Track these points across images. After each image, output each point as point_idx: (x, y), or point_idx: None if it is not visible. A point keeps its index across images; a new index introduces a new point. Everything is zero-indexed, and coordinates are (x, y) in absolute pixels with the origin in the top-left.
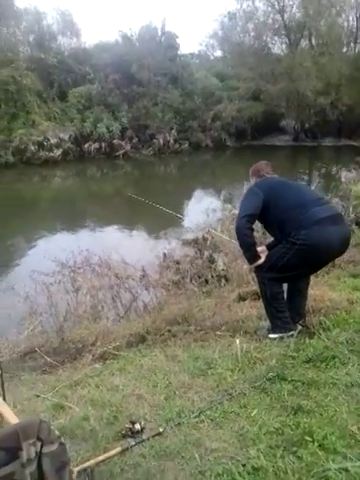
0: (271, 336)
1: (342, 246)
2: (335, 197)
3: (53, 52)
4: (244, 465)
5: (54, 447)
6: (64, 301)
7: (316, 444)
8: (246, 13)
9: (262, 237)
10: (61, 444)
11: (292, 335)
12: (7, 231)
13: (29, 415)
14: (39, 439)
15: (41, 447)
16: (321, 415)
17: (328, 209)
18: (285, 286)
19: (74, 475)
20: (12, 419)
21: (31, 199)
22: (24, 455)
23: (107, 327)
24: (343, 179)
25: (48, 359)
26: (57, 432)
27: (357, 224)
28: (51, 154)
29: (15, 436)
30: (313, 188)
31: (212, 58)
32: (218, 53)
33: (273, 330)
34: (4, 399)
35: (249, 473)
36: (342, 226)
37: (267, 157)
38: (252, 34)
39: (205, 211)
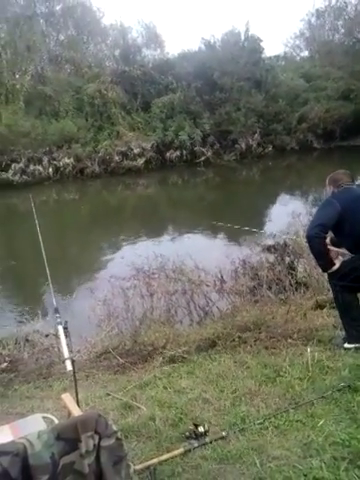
0: (346, 346)
1: None
2: None
3: (137, 65)
4: (305, 475)
5: (111, 441)
6: (140, 305)
7: None
8: (335, 10)
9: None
10: (118, 439)
11: None
12: (92, 237)
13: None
14: (97, 432)
15: (99, 440)
16: None
17: None
18: None
19: (131, 469)
20: (77, 413)
21: (115, 207)
22: (83, 446)
23: (178, 331)
24: None
25: (121, 360)
26: (114, 427)
27: None
28: (134, 163)
29: (74, 428)
30: None
31: (298, 59)
32: (305, 53)
33: (348, 340)
34: (77, 395)
35: None
36: None
37: (357, 158)
38: (342, 31)
39: (290, 215)
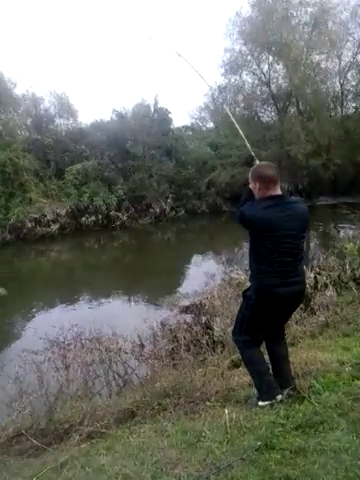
0: (260, 404)
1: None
2: (332, 255)
3: (50, 133)
4: None
5: None
6: (54, 379)
7: None
8: (234, 87)
9: None
10: None
11: (281, 401)
12: (3, 310)
13: None
14: None
15: None
16: None
17: (293, 290)
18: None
19: None
20: None
21: (28, 275)
22: None
23: (95, 405)
24: (341, 235)
25: (34, 442)
26: None
27: (354, 281)
28: (48, 229)
29: None
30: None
31: (204, 129)
32: (210, 124)
33: (261, 398)
34: None
35: None
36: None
37: None
38: (242, 105)
39: (204, 275)
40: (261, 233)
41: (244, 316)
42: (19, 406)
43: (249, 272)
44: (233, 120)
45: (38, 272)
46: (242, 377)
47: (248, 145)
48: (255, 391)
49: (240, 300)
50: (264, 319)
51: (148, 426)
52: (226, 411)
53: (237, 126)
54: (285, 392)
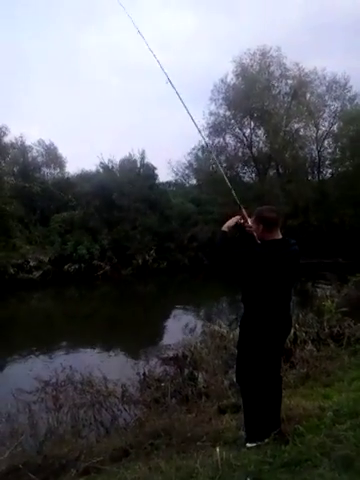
0: (248, 445)
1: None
2: (310, 312)
3: (37, 181)
4: None
5: None
6: (45, 420)
7: None
8: (218, 147)
9: None
10: None
11: (268, 442)
12: None
13: None
14: None
15: None
16: None
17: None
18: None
19: None
20: None
21: (5, 322)
22: None
23: (90, 443)
24: (319, 294)
25: (32, 476)
26: None
27: (331, 338)
28: (30, 276)
29: None
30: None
31: (188, 186)
32: (193, 181)
33: (249, 439)
34: None
35: None
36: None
37: None
38: (224, 165)
39: (185, 327)
40: (268, 273)
41: (243, 349)
42: (11, 444)
43: (241, 312)
44: (225, 178)
45: (17, 319)
46: (229, 421)
47: (234, 195)
48: (243, 433)
49: (223, 352)
50: (261, 351)
51: (142, 463)
52: (217, 450)
53: (227, 181)
54: (272, 435)
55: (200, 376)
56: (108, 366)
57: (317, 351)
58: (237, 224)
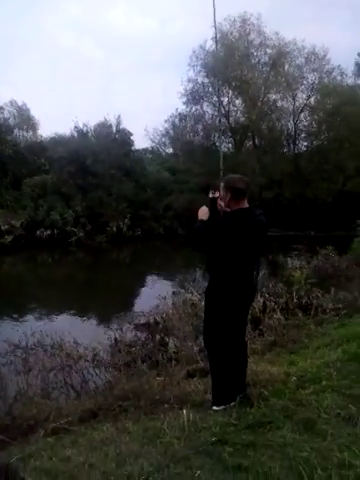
0: (214, 408)
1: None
2: (280, 282)
3: (9, 144)
4: None
5: None
6: (14, 383)
7: None
8: (195, 116)
9: None
10: None
11: (234, 405)
12: None
13: None
14: (6, 479)
15: None
16: (257, 472)
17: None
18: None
19: None
20: None
21: None
22: None
23: (60, 405)
24: (289, 265)
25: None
26: (21, 473)
27: (299, 307)
28: (1, 240)
29: None
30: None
31: (164, 154)
32: (170, 150)
33: (216, 403)
34: None
35: None
36: None
37: None
38: (201, 134)
39: (158, 295)
40: (232, 242)
41: (210, 315)
42: None
43: (207, 278)
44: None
45: None
46: (197, 385)
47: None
48: (210, 396)
49: (194, 319)
50: (227, 313)
51: (110, 424)
52: (184, 412)
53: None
54: (238, 398)
55: (171, 342)
56: (80, 331)
57: (285, 320)
58: (210, 198)
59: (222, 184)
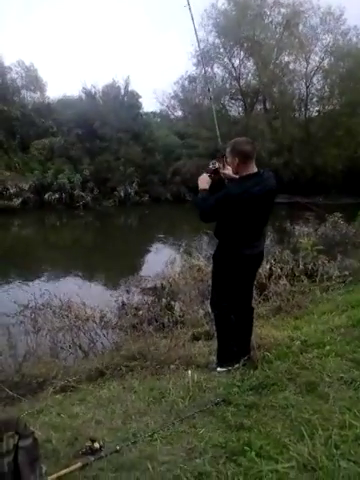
0: (219, 370)
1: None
2: (287, 249)
3: (17, 105)
4: (191, 472)
5: (29, 441)
6: (24, 342)
7: (253, 453)
8: (205, 78)
9: None
10: (34, 439)
11: (238, 368)
12: None
13: None
14: (17, 433)
15: (18, 440)
16: (259, 431)
17: (256, 251)
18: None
19: (44, 470)
20: None
21: None
22: (4, 446)
23: (67, 364)
24: (297, 232)
25: (10, 392)
26: (32, 428)
27: (306, 274)
28: (10, 203)
29: None
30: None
31: (173, 117)
32: (179, 113)
33: (221, 364)
34: None
35: (195, 477)
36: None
37: None
38: (211, 97)
39: (165, 260)
40: (242, 210)
41: (217, 280)
42: None
43: (216, 242)
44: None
45: None
46: (202, 347)
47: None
48: (215, 358)
49: (200, 284)
50: (234, 277)
51: (117, 383)
52: (189, 372)
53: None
54: (242, 361)
55: (177, 305)
56: (87, 293)
57: (291, 286)
58: (213, 169)
59: (228, 149)
